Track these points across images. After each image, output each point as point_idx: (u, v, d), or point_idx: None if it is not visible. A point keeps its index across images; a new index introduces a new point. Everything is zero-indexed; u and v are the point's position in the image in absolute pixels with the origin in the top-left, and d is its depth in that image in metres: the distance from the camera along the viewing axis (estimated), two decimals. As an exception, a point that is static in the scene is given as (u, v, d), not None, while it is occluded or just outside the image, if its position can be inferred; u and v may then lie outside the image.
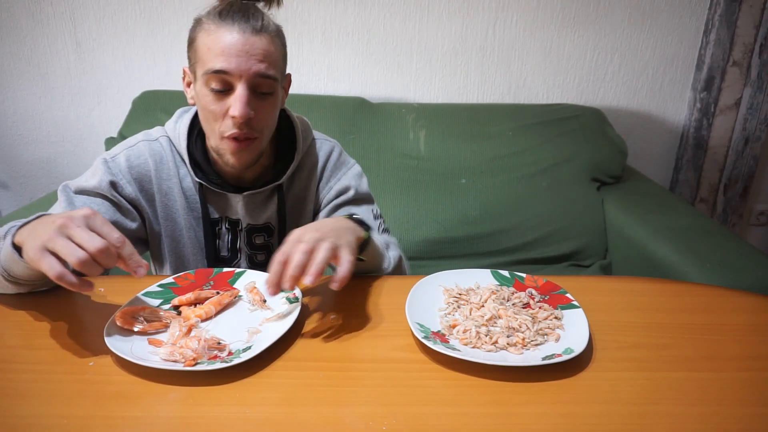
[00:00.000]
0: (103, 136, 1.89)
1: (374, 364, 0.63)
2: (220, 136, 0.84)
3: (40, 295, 0.76)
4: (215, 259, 0.96)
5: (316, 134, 1.01)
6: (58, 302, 0.75)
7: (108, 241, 0.60)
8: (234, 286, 0.80)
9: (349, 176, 1.00)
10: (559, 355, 0.62)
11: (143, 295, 0.75)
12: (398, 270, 0.95)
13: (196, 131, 0.92)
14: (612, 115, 1.88)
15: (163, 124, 0.97)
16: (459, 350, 0.64)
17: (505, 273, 0.83)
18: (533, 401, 0.57)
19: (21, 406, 0.55)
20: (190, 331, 0.68)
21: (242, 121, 0.81)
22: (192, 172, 0.91)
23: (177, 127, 0.93)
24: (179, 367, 0.60)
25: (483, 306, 0.74)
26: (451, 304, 0.75)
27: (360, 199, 1.00)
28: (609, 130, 1.75)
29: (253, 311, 0.74)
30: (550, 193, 1.66)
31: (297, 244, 0.68)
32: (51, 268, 0.58)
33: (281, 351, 0.65)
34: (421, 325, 0.69)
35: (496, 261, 1.62)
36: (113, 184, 0.88)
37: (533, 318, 0.71)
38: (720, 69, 1.85)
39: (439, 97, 1.90)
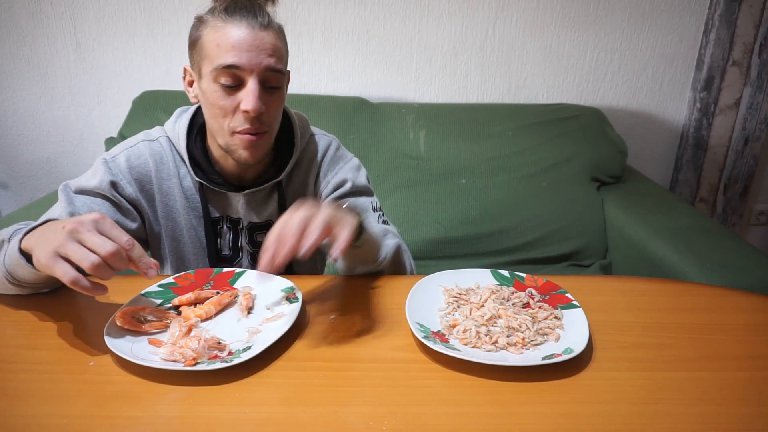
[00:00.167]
0: (103, 136, 1.89)
1: (374, 364, 0.63)
2: (230, 132, 0.84)
3: (41, 295, 0.76)
4: (217, 258, 0.96)
5: (314, 129, 1.01)
6: (59, 302, 0.75)
7: (119, 243, 0.60)
8: (234, 286, 0.80)
9: (346, 169, 1.00)
10: (559, 355, 0.62)
11: (143, 295, 0.75)
12: (397, 258, 0.92)
13: (195, 130, 0.92)
14: (612, 115, 1.88)
15: (163, 124, 0.97)
16: (459, 350, 0.64)
17: (505, 273, 0.83)
18: (533, 401, 0.57)
19: (21, 406, 0.55)
20: (190, 331, 0.68)
21: (255, 115, 0.81)
22: (192, 172, 0.91)
23: (176, 126, 0.93)
24: (179, 367, 0.60)
25: (483, 306, 0.74)
26: (451, 304, 0.75)
27: (358, 192, 1.00)
28: (609, 130, 1.75)
29: (239, 319, 0.72)
30: (550, 193, 1.66)
31: (289, 221, 0.66)
32: (65, 273, 0.59)
33: (281, 351, 0.65)
34: (421, 325, 0.69)
35: (496, 261, 1.62)
36: (114, 185, 0.88)
37: (533, 318, 0.71)
38: (720, 69, 1.85)
39: (439, 97, 1.90)
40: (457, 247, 1.63)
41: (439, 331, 0.69)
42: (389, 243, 0.93)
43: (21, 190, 2.02)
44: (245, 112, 0.81)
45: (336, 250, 0.66)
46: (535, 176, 1.67)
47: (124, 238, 0.61)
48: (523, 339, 0.66)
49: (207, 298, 0.74)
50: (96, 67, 1.84)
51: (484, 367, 0.62)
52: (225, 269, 0.83)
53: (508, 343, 0.66)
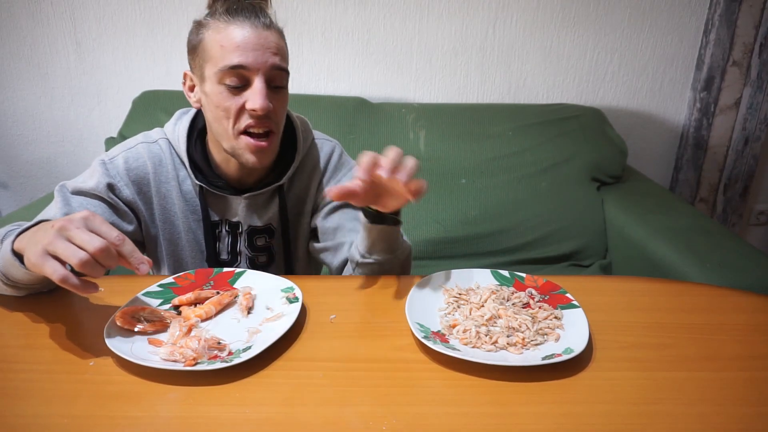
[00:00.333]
0: (103, 136, 1.89)
1: (374, 364, 0.63)
2: (236, 134, 0.84)
3: (40, 295, 0.76)
4: (215, 262, 0.96)
5: (316, 134, 1.01)
6: (59, 302, 0.75)
7: (108, 240, 0.60)
8: (234, 286, 0.80)
9: (349, 178, 1.00)
10: (559, 355, 0.62)
11: (143, 295, 0.75)
12: (408, 260, 0.93)
13: (195, 133, 0.92)
14: (612, 115, 1.88)
15: (163, 124, 0.96)
16: (459, 350, 0.64)
17: (505, 273, 0.83)
18: (533, 401, 0.57)
19: (21, 406, 0.55)
20: (190, 331, 0.68)
21: (262, 114, 0.81)
22: (192, 175, 0.91)
23: (176, 129, 0.93)
24: (179, 367, 0.60)
25: (483, 306, 0.74)
26: (451, 304, 0.75)
27: None
28: (609, 130, 1.75)
29: (239, 320, 0.72)
30: (550, 193, 1.66)
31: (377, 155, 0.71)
32: (54, 271, 0.59)
33: (281, 351, 0.65)
34: (421, 325, 0.69)
35: (496, 261, 1.62)
36: (110, 187, 0.88)
37: (533, 318, 0.71)
38: (720, 69, 1.85)
39: (439, 97, 1.90)
40: (457, 247, 1.63)
41: (439, 331, 0.69)
42: (406, 241, 0.93)
43: (21, 190, 2.02)
44: (252, 110, 0.81)
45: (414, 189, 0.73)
46: (535, 176, 1.67)
47: (114, 233, 0.61)
48: (523, 339, 0.66)
49: (207, 298, 0.74)
50: (96, 67, 1.84)
51: (484, 367, 0.62)
52: (225, 269, 0.83)
53: (508, 343, 0.66)
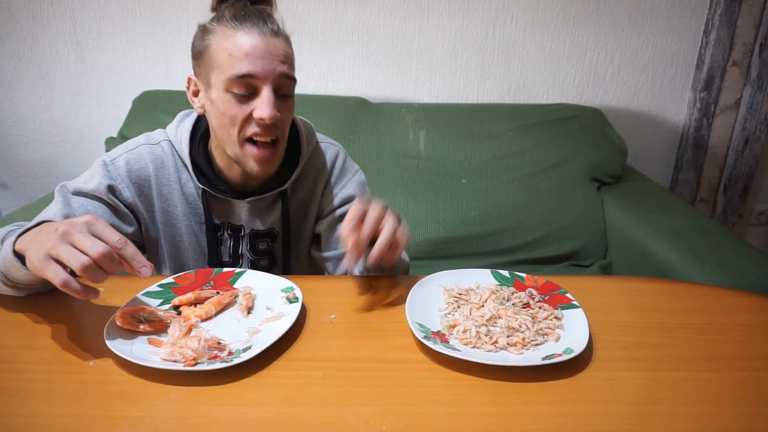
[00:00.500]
0: (103, 136, 1.89)
1: (374, 364, 0.63)
2: (241, 142, 0.83)
3: (41, 295, 0.76)
4: (217, 264, 0.96)
5: (320, 137, 1.00)
6: (59, 303, 0.75)
7: (110, 243, 0.60)
8: (234, 286, 0.80)
9: (354, 184, 1.00)
10: (559, 355, 0.62)
11: (143, 295, 0.75)
12: (406, 272, 0.95)
13: (198, 136, 0.91)
14: (612, 115, 1.88)
15: (163, 124, 0.96)
16: (459, 350, 0.64)
17: (505, 273, 0.83)
18: (533, 401, 0.57)
19: (21, 406, 0.55)
20: (190, 331, 0.68)
21: (270, 123, 0.80)
22: (195, 178, 0.90)
23: (179, 131, 0.92)
24: (179, 367, 0.60)
25: (483, 306, 0.74)
26: (451, 304, 0.75)
27: None
28: (609, 130, 1.75)
29: (239, 320, 0.72)
30: (550, 193, 1.66)
31: (363, 209, 0.73)
32: (56, 275, 0.59)
33: (281, 351, 0.65)
34: (421, 325, 0.69)
35: (496, 261, 1.62)
36: (111, 188, 0.87)
37: (533, 318, 0.71)
38: (720, 69, 1.85)
39: (439, 97, 1.90)
40: (457, 247, 1.63)
41: (439, 331, 0.69)
42: (404, 256, 0.94)
43: (21, 190, 2.02)
44: (260, 119, 0.80)
45: (399, 250, 0.75)
46: (535, 176, 1.67)
47: (116, 237, 0.61)
48: (523, 339, 0.66)
49: (207, 298, 0.74)
50: (96, 67, 1.84)
51: (484, 367, 0.62)
52: (225, 269, 0.83)
53: (508, 343, 0.66)
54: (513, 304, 0.74)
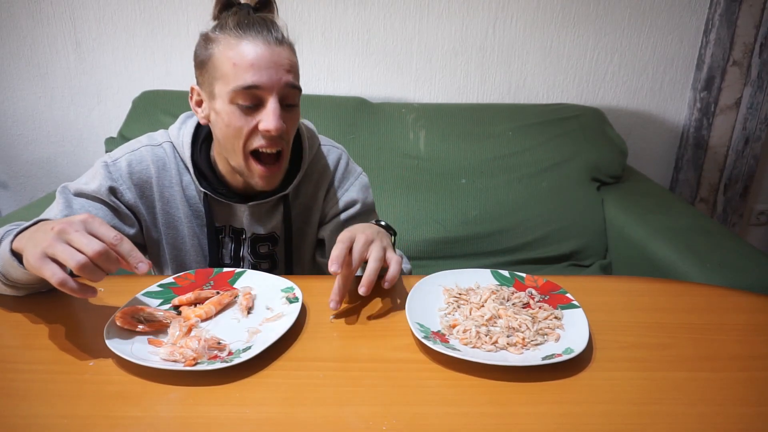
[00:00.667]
0: (103, 136, 1.89)
1: (374, 364, 0.63)
2: (245, 154, 0.82)
3: (40, 295, 0.76)
4: (218, 267, 0.95)
5: (322, 139, 1.00)
6: (59, 302, 0.75)
7: (105, 240, 0.60)
8: (234, 286, 0.80)
9: (357, 188, 0.99)
10: (559, 355, 0.62)
11: (143, 295, 0.75)
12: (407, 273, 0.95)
13: (200, 139, 0.91)
14: (612, 115, 1.88)
15: (163, 124, 0.96)
16: (459, 350, 0.64)
17: (505, 273, 0.83)
18: (533, 401, 0.57)
19: (21, 406, 0.55)
20: (190, 331, 0.68)
21: (276, 135, 0.80)
22: (196, 181, 0.90)
23: (181, 134, 0.91)
24: (179, 367, 0.60)
25: (483, 306, 0.74)
26: (451, 304, 0.75)
27: (367, 212, 1.00)
28: (609, 130, 1.75)
29: (239, 320, 0.72)
30: (550, 193, 1.66)
31: (349, 241, 0.72)
32: (53, 274, 0.58)
33: (281, 351, 0.65)
34: (421, 325, 0.69)
35: (496, 261, 1.62)
36: (113, 190, 0.87)
37: (533, 318, 0.71)
38: (720, 69, 1.85)
39: (439, 97, 1.90)
40: (457, 247, 1.63)
41: (439, 331, 0.69)
42: (405, 269, 0.94)
43: (21, 190, 2.02)
44: (266, 131, 0.79)
45: (387, 284, 0.73)
46: (535, 176, 1.67)
47: (112, 234, 0.60)
48: (523, 339, 0.66)
49: (207, 298, 0.74)
50: (96, 67, 1.84)
51: (484, 367, 0.62)
52: (225, 269, 0.83)
53: (508, 343, 0.66)
54: (513, 304, 0.74)
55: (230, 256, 0.96)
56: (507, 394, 0.58)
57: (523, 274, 0.83)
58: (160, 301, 0.75)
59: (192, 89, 0.86)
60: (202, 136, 0.91)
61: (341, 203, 0.98)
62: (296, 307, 0.71)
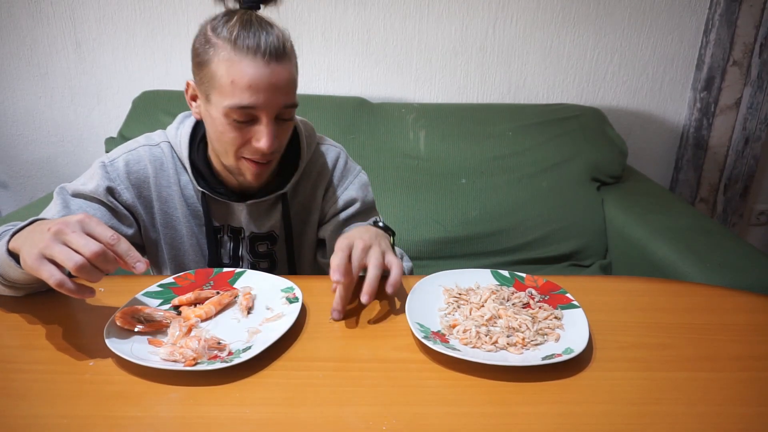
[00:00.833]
0: (103, 136, 1.89)
1: (374, 364, 0.63)
2: (237, 158, 0.83)
3: (40, 295, 0.76)
4: (217, 266, 0.95)
5: (320, 138, 1.00)
6: (59, 302, 0.75)
7: (102, 240, 0.60)
8: (234, 286, 0.80)
9: (356, 186, 0.99)
10: (559, 355, 0.62)
11: (143, 295, 0.75)
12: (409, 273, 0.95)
13: (198, 139, 0.91)
14: (612, 115, 1.88)
15: (163, 125, 0.96)
16: (459, 350, 0.64)
17: (505, 273, 0.83)
18: (533, 401, 0.57)
19: (21, 406, 0.55)
20: (190, 331, 0.68)
21: (269, 153, 0.80)
22: (194, 181, 0.90)
23: (178, 134, 0.91)
24: (179, 367, 0.60)
25: (483, 306, 0.74)
26: (451, 304, 0.75)
27: (366, 210, 1.00)
28: (609, 130, 1.75)
29: (239, 320, 0.72)
30: (550, 193, 1.66)
31: (348, 248, 0.72)
32: (51, 275, 0.58)
33: (281, 351, 0.65)
34: (421, 325, 0.69)
35: (496, 261, 1.62)
36: (110, 190, 0.87)
37: (533, 318, 0.71)
38: (720, 69, 1.85)
39: (439, 97, 1.90)
40: (457, 247, 1.63)
41: (439, 331, 0.69)
42: (406, 267, 0.94)
43: (21, 190, 2.02)
44: (259, 150, 0.80)
45: (390, 288, 0.72)
46: (535, 176, 1.67)
47: (108, 233, 0.60)
48: (523, 339, 0.66)
49: (207, 298, 0.74)
50: (96, 67, 1.84)
51: (484, 367, 0.62)
52: (225, 269, 0.83)
53: (508, 343, 0.66)
54: (513, 304, 0.74)
55: (229, 256, 0.96)
56: (507, 394, 0.58)
57: (523, 274, 0.83)
58: (160, 301, 0.75)
59: (188, 84, 0.85)
60: (200, 136, 0.91)
61: (341, 202, 0.98)
62: (296, 307, 0.71)
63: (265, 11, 0.82)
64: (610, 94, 1.93)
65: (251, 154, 0.82)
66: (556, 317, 0.72)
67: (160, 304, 0.74)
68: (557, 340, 0.67)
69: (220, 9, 0.81)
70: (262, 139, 0.79)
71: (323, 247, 1.01)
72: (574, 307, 0.73)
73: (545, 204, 1.65)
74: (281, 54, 0.77)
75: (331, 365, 0.63)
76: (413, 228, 1.61)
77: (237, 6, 0.81)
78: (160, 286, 0.78)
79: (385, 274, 0.75)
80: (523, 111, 1.76)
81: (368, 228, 0.82)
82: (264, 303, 0.76)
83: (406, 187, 1.65)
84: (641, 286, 0.84)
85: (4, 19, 1.78)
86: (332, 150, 0.99)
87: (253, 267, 0.97)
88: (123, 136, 1.63)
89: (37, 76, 1.85)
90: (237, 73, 0.75)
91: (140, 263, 0.61)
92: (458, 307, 0.74)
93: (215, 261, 0.95)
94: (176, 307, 0.74)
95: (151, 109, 1.66)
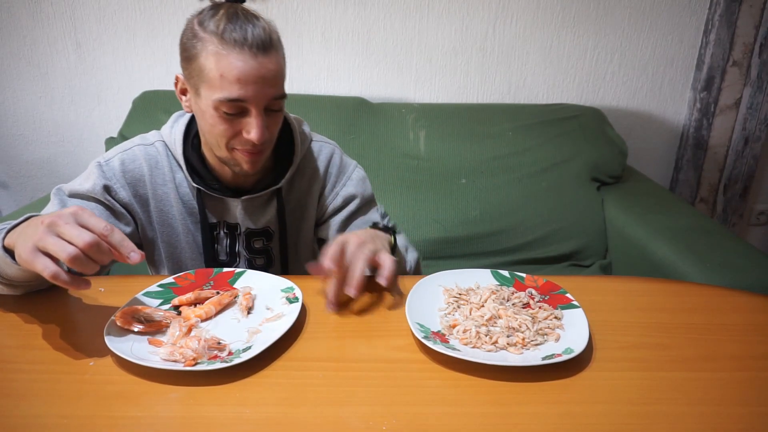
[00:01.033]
0: (103, 136, 1.89)
1: (374, 364, 0.63)
2: (229, 150, 0.83)
3: (40, 295, 0.76)
4: (214, 263, 0.96)
5: (314, 135, 1.00)
6: (59, 302, 0.75)
7: (96, 231, 0.59)
8: (234, 286, 0.80)
9: (354, 182, 1.00)
10: (559, 355, 0.62)
11: (143, 295, 0.75)
12: (417, 270, 0.95)
13: (192, 136, 0.91)
14: (612, 115, 1.88)
15: (163, 125, 0.96)
16: (459, 350, 0.64)
17: (505, 273, 0.83)
18: (533, 401, 0.57)
19: (21, 406, 0.55)
20: (190, 331, 0.68)
21: (259, 144, 0.81)
22: (189, 178, 0.90)
23: (172, 132, 0.92)
24: (179, 367, 0.60)
25: (483, 306, 0.74)
26: (451, 304, 0.75)
27: (366, 205, 1.01)
28: (609, 130, 1.75)
29: (239, 320, 0.72)
30: (550, 193, 1.66)
31: (343, 243, 0.74)
32: (45, 267, 0.58)
33: (281, 351, 0.65)
34: (421, 325, 0.69)
35: (496, 261, 1.62)
36: (107, 188, 0.87)
37: (533, 318, 0.71)
38: (720, 69, 1.85)
39: (439, 97, 1.90)
40: (457, 247, 1.63)
41: (439, 331, 0.69)
42: (411, 257, 0.94)
43: (21, 190, 2.02)
44: (249, 141, 0.80)
45: (383, 280, 0.74)
46: (535, 176, 1.67)
47: (102, 224, 0.60)
48: (523, 339, 0.66)
49: (207, 298, 0.74)
50: (96, 67, 1.84)
51: (484, 367, 0.62)
52: (225, 269, 0.83)
53: (508, 343, 0.66)
54: (513, 304, 0.75)
55: (226, 252, 0.96)
56: (507, 394, 0.58)
57: (523, 274, 0.83)
58: (160, 301, 0.75)
59: (177, 78, 0.85)
60: (193, 133, 0.91)
61: (340, 200, 0.98)
62: (296, 307, 0.71)
63: (253, 4, 0.82)
64: (610, 94, 1.93)
65: (242, 146, 0.82)
66: (556, 317, 0.72)
67: (160, 304, 0.74)
68: (557, 340, 0.67)
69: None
70: (252, 131, 0.80)
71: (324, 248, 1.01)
72: (574, 307, 0.73)
73: (545, 204, 1.65)
74: (268, 46, 0.78)
75: (331, 365, 0.63)
76: (413, 228, 1.61)
77: None
78: (160, 286, 0.78)
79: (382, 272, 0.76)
80: (523, 111, 1.76)
81: (366, 230, 0.83)
82: (264, 303, 0.76)
83: (406, 187, 1.65)
84: (641, 286, 0.84)
85: (4, 18, 1.78)
86: (326, 147, 1.00)
87: (250, 263, 0.98)
88: (123, 137, 1.63)
89: (38, 76, 1.85)
90: (225, 66, 0.76)
91: (134, 253, 0.60)
92: (458, 307, 0.74)
93: (212, 257, 0.95)
94: (176, 307, 0.74)
95: (152, 109, 1.66)
